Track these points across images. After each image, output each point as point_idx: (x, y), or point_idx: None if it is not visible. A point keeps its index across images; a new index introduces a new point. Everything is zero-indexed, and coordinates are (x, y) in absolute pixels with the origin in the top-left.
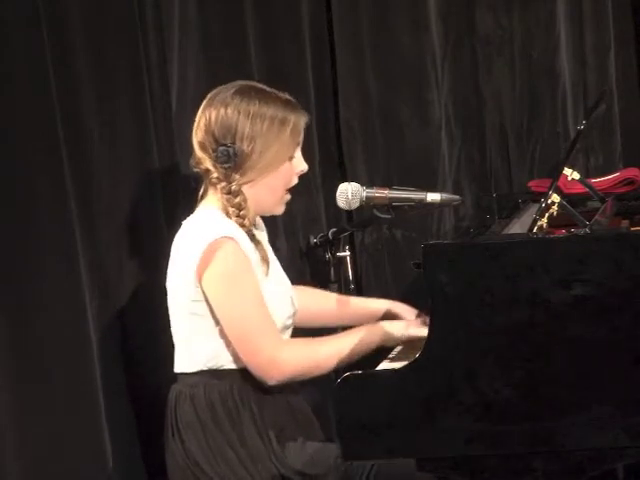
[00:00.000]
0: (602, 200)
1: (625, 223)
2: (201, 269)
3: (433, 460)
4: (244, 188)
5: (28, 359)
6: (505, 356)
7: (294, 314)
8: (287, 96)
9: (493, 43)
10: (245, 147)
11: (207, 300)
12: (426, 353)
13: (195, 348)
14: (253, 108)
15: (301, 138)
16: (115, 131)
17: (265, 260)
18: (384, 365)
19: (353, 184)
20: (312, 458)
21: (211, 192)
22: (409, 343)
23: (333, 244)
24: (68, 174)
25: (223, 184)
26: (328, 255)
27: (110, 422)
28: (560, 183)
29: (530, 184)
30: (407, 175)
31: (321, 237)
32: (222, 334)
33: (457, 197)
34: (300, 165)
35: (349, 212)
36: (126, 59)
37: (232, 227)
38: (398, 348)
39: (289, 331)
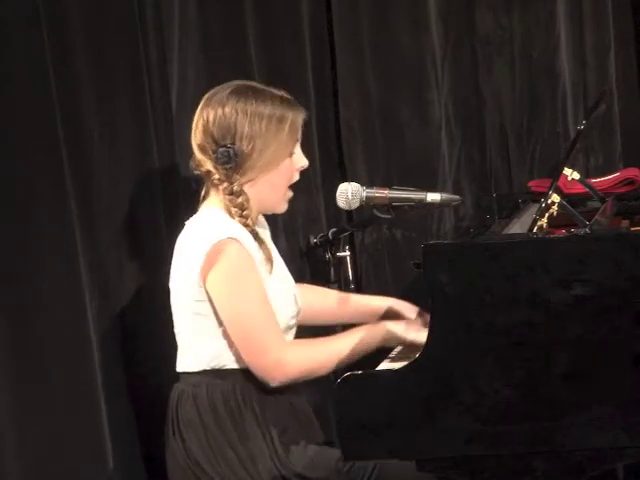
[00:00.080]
0: (602, 200)
1: (625, 223)
2: (205, 270)
3: (433, 460)
4: (246, 187)
5: (28, 359)
6: (505, 356)
7: (297, 314)
8: (283, 93)
9: (493, 43)
10: (245, 147)
11: (211, 300)
12: (426, 353)
13: (198, 348)
14: (250, 107)
15: (300, 134)
16: (115, 131)
17: (269, 259)
18: (384, 365)
19: (353, 184)
20: (313, 461)
21: (213, 193)
22: (409, 343)
23: (333, 244)
24: (68, 174)
25: (225, 185)
26: (328, 255)
27: (110, 422)
28: (560, 183)
29: (530, 184)
30: (407, 175)
31: (321, 237)
32: (225, 334)
33: (457, 197)
34: (300, 161)
35: (349, 212)
36: (126, 59)
37: (236, 228)
38: (398, 348)
39: (292, 331)
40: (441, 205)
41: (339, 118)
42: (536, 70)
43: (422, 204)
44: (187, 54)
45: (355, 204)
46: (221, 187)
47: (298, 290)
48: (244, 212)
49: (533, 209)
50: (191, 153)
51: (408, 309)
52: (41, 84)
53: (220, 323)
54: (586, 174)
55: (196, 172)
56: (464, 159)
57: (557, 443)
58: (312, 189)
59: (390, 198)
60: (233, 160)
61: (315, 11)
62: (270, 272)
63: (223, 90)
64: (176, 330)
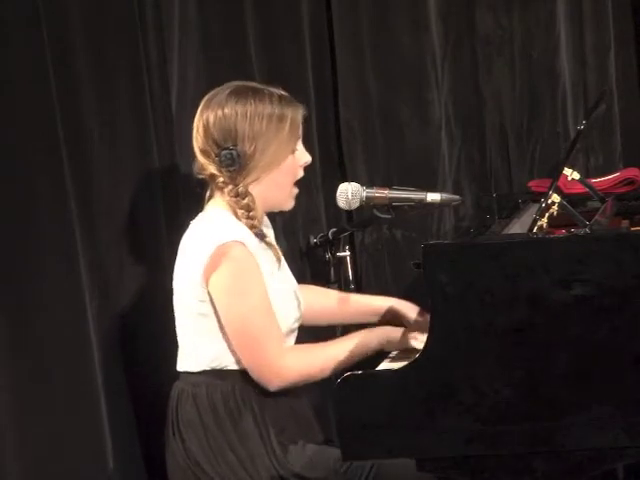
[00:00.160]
0: (602, 200)
1: (625, 223)
2: (208, 272)
3: (433, 460)
4: (250, 187)
5: (28, 359)
6: (505, 356)
7: (300, 317)
8: (281, 91)
9: (493, 43)
10: (247, 148)
11: (212, 302)
12: (426, 353)
13: (200, 348)
14: (250, 108)
15: (301, 131)
16: (115, 131)
17: (278, 258)
18: (384, 365)
19: (353, 184)
20: (311, 460)
21: (218, 194)
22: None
23: (333, 244)
24: (68, 174)
25: (230, 187)
26: (328, 255)
27: (110, 422)
28: (560, 183)
29: (530, 184)
30: (407, 175)
31: (321, 237)
32: (226, 335)
33: (457, 197)
34: (303, 157)
35: (349, 212)
36: (126, 59)
37: (242, 230)
38: None
39: (294, 334)
40: (441, 205)
41: (339, 118)
42: (536, 70)
43: (422, 204)
44: (187, 54)
45: (355, 204)
46: (226, 190)
47: (299, 291)
48: (251, 213)
49: (533, 209)
50: (193, 157)
51: (409, 309)
52: (41, 84)
53: (222, 324)
54: (586, 174)
55: (200, 176)
56: (464, 159)
57: (557, 443)
58: (312, 189)
59: (390, 198)
60: (236, 162)
61: (315, 11)
62: (279, 269)
63: (222, 92)
64: (177, 330)
